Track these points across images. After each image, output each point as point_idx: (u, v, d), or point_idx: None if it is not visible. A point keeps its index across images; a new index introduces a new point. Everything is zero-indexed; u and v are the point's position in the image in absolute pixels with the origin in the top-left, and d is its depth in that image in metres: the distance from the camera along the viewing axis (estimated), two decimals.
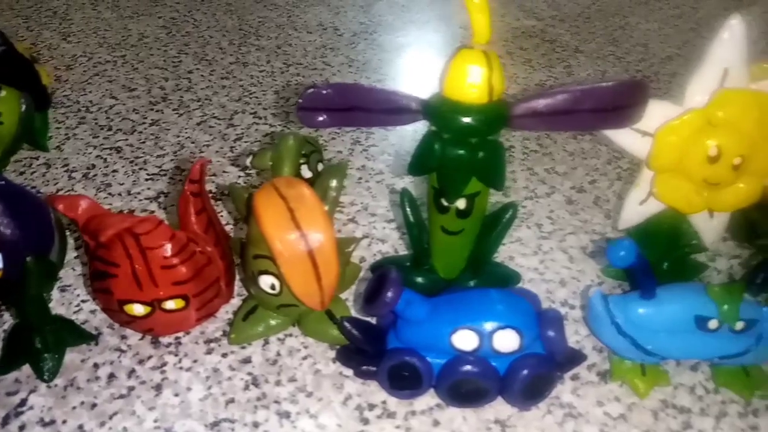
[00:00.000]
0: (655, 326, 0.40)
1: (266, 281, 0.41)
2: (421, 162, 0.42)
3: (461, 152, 0.40)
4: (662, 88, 0.79)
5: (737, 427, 0.40)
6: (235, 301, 0.47)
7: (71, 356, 0.43)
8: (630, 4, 1.04)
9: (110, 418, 0.39)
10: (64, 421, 0.39)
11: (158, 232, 0.39)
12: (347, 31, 0.91)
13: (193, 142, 0.65)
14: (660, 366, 0.43)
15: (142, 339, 0.44)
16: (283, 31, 0.90)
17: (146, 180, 0.59)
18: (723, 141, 0.40)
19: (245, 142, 0.65)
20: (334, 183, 0.42)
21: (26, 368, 0.41)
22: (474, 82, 0.38)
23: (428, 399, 0.41)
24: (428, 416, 0.40)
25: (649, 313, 0.40)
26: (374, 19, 0.95)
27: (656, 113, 0.41)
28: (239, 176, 0.61)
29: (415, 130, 0.41)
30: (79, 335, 0.43)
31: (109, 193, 0.58)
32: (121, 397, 0.40)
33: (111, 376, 0.41)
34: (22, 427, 0.38)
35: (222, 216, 0.55)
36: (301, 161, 0.49)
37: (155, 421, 0.39)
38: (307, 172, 0.50)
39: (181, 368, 0.42)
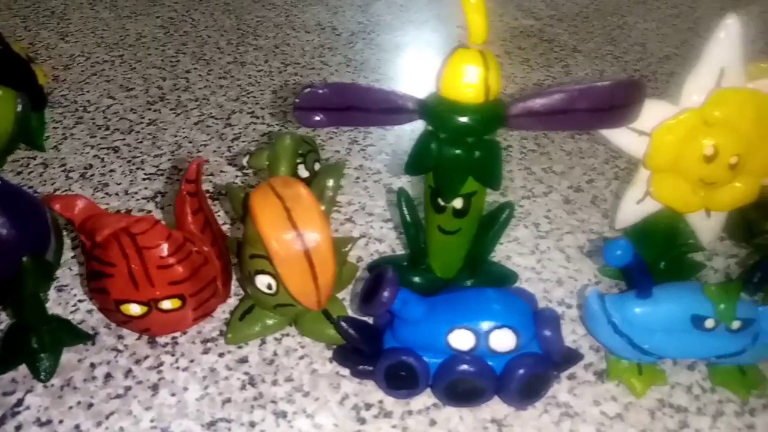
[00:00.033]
0: (651, 325, 0.40)
1: (263, 281, 0.41)
2: (417, 161, 0.42)
3: (458, 152, 0.40)
4: (660, 88, 0.79)
5: (734, 426, 0.40)
6: (232, 301, 0.47)
7: (68, 356, 0.43)
8: (628, 4, 1.04)
9: (107, 417, 0.39)
10: (61, 421, 0.39)
11: (154, 231, 0.39)
12: (345, 31, 0.91)
13: (190, 142, 0.65)
14: (657, 365, 0.43)
15: (138, 339, 0.44)
16: (281, 30, 0.90)
17: (143, 180, 0.59)
18: (719, 140, 0.40)
19: (243, 141, 0.65)
20: (330, 183, 0.42)
21: (23, 368, 0.41)
22: (470, 82, 0.38)
23: (425, 398, 0.41)
24: (425, 416, 0.40)
25: (646, 312, 0.40)
26: (372, 18, 0.95)
27: (653, 113, 0.41)
28: (236, 176, 0.61)
29: (413, 130, 0.41)
30: (75, 335, 0.43)
31: (107, 193, 0.58)
32: (118, 396, 0.40)
33: (108, 376, 0.41)
34: (18, 427, 0.38)
35: (219, 216, 0.55)
36: (298, 161, 0.49)
37: (152, 420, 0.39)
38: (304, 172, 0.50)
39: (177, 368, 0.42)
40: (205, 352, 0.43)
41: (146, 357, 0.43)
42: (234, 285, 0.47)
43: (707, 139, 0.40)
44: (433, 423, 0.39)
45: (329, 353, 0.43)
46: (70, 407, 0.40)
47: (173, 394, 0.40)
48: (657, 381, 0.42)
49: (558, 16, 0.99)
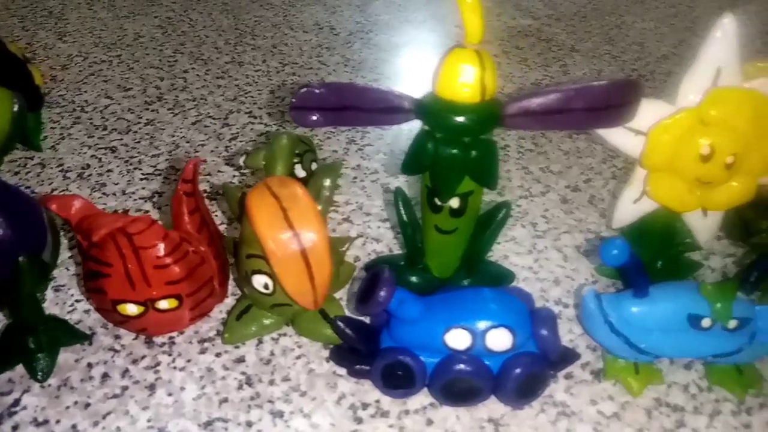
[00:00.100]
0: (648, 325, 0.40)
1: (259, 281, 0.41)
2: (414, 161, 0.42)
3: (454, 151, 0.40)
4: (658, 87, 0.79)
5: (730, 426, 0.40)
6: (229, 301, 0.47)
7: (65, 356, 0.43)
8: (626, 3, 1.05)
9: (104, 417, 0.39)
10: (58, 421, 0.39)
11: (151, 231, 0.39)
12: (343, 31, 0.91)
13: (188, 142, 0.65)
14: (653, 364, 0.43)
15: (135, 339, 0.44)
16: (279, 30, 0.90)
17: (141, 180, 0.59)
18: (715, 140, 0.40)
19: (240, 141, 0.65)
20: (327, 182, 0.42)
21: (20, 368, 0.41)
22: (466, 81, 0.38)
23: (422, 398, 0.41)
24: (422, 415, 0.40)
25: (642, 311, 0.40)
26: (370, 18, 0.95)
27: (649, 112, 0.41)
28: (234, 176, 0.61)
29: (410, 130, 0.41)
30: (72, 335, 0.43)
31: (104, 193, 0.58)
32: (115, 396, 0.40)
33: (104, 376, 0.41)
34: (15, 427, 0.38)
35: (216, 216, 0.55)
36: (295, 161, 0.49)
37: (149, 420, 0.39)
38: (300, 172, 0.50)
39: (174, 368, 0.42)
40: (202, 351, 0.43)
41: (143, 357, 0.43)
42: (231, 285, 0.47)
43: (703, 139, 0.40)
44: (430, 422, 0.39)
45: (326, 353, 0.43)
46: (67, 407, 0.40)
47: (170, 394, 0.40)
48: (654, 380, 0.42)
49: (556, 15, 0.99)
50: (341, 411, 0.40)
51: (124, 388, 0.41)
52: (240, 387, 0.41)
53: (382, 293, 0.37)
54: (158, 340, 0.44)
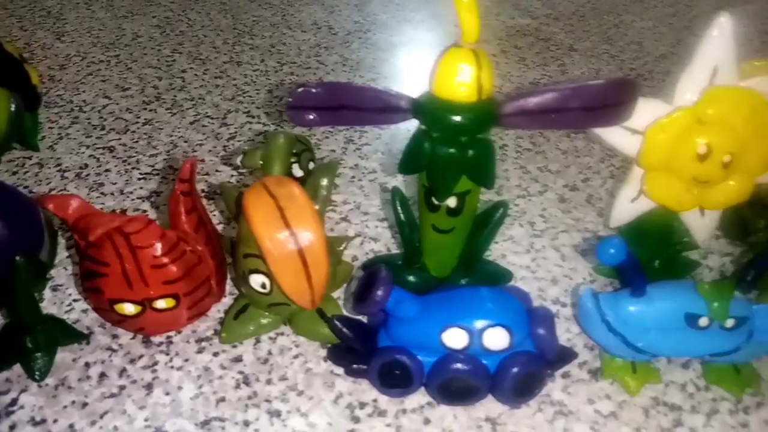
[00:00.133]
0: (645, 324, 0.40)
1: (257, 280, 0.41)
2: (411, 160, 0.41)
3: (451, 151, 0.40)
4: (656, 86, 0.79)
5: (728, 425, 0.40)
6: (227, 300, 0.47)
7: (62, 355, 0.43)
8: (624, 3, 1.05)
9: (101, 417, 0.39)
10: (55, 421, 0.39)
11: (148, 231, 0.39)
12: (341, 30, 0.91)
13: (186, 142, 0.65)
14: (651, 363, 0.43)
15: (133, 338, 0.44)
16: (277, 30, 0.90)
17: (139, 179, 0.59)
18: (712, 139, 0.40)
19: (238, 141, 0.65)
20: (324, 182, 0.42)
21: (17, 368, 0.41)
22: (463, 81, 0.38)
23: (419, 397, 0.41)
24: (419, 414, 0.40)
25: (640, 310, 0.40)
26: (368, 17, 0.95)
27: (646, 111, 0.41)
28: (232, 175, 0.60)
29: (408, 129, 0.41)
30: (70, 334, 0.43)
31: (102, 193, 0.58)
32: (112, 396, 0.40)
33: (102, 376, 0.41)
34: (12, 427, 0.38)
35: (214, 215, 0.55)
36: (292, 160, 0.49)
37: (146, 420, 0.39)
38: (298, 171, 0.50)
39: (172, 367, 0.42)
40: (200, 351, 0.43)
41: (141, 356, 0.43)
42: (229, 284, 0.47)
43: (700, 138, 0.40)
44: (427, 422, 0.39)
45: (324, 352, 0.43)
46: (65, 406, 0.40)
47: (167, 393, 0.40)
48: (651, 379, 0.42)
49: (554, 14, 0.99)
50: (338, 410, 0.40)
51: (122, 388, 0.41)
52: (237, 386, 0.41)
53: (379, 292, 0.37)
54: (156, 339, 0.44)
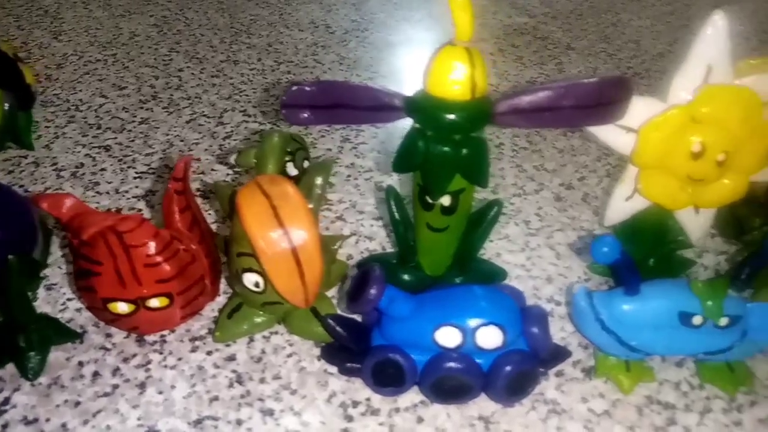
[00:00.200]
0: (639, 322, 0.40)
1: (250, 279, 0.41)
2: (405, 159, 0.41)
3: (445, 149, 0.40)
4: (653, 85, 0.79)
5: (721, 423, 0.40)
6: (221, 299, 0.47)
7: (56, 354, 0.42)
8: (622, 1, 1.05)
9: (94, 416, 0.39)
10: (48, 420, 0.39)
11: (141, 230, 0.39)
12: (339, 29, 0.91)
13: (182, 141, 0.65)
14: (644, 362, 0.43)
15: (127, 337, 0.44)
16: (274, 29, 0.90)
17: (134, 178, 0.59)
18: (706, 137, 0.40)
19: (234, 140, 0.65)
20: (319, 181, 0.42)
21: (10, 367, 0.41)
22: (457, 79, 0.38)
23: (412, 396, 0.41)
24: (412, 413, 0.40)
25: (633, 309, 0.40)
26: (366, 16, 0.95)
27: (640, 109, 0.41)
28: (228, 174, 0.60)
29: (404, 128, 0.41)
30: (63, 333, 0.43)
31: (97, 192, 0.58)
32: (105, 395, 0.40)
33: (95, 375, 0.41)
34: (5, 426, 0.38)
35: (209, 214, 0.55)
36: (287, 159, 0.49)
37: (138, 419, 0.39)
38: (293, 170, 0.50)
39: (165, 366, 0.42)
40: (194, 350, 0.43)
41: (134, 355, 0.43)
42: (223, 283, 0.47)
43: (695, 136, 0.40)
44: (420, 420, 0.39)
45: (317, 351, 0.43)
46: (57, 405, 0.39)
47: (160, 392, 0.40)
48: (645, 378, 0.42)
49: (552, 13, 0.99)
50: (332, 409, 0.40)
51: (115, 387, 0.41)
52: (230, 385, 0.41)
53: (373, 291, 0.37)
54: (149, 338, 0.44)
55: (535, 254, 0.52)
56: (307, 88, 0.40)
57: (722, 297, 0.39)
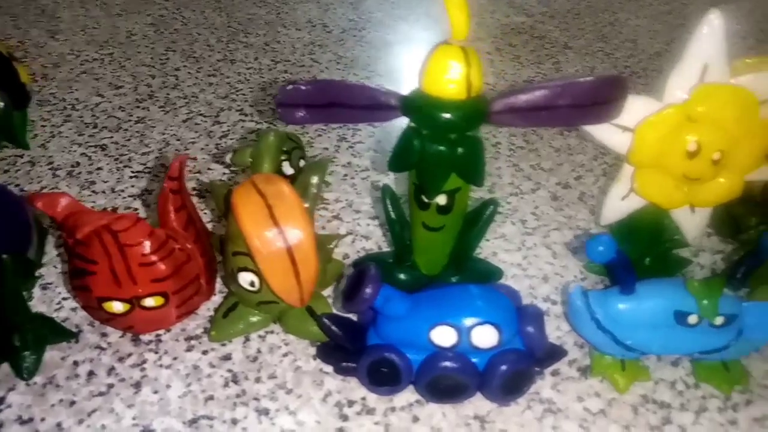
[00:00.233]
0: (634, 321, 0.40)
1: (245, 278, 0.41)
2: (400, 158, 0.41)
3: (440, 148, 0.40)
4: (650, 84, 0.79)
5: (716, 422, 0.40)
6: (217, 298, 0.47)
7: (51, 354, 0.42)
8: (620, 1, 1.05)
9: (89, 415, 0.39)
10: (43, 419, 0.39)
11: (136, 229, 0.39)
12: (336, 28, 0.91)
13: (178, 140, 0.65)
14: (640, 361, 0.43)
15: (122, 336, 0.44)
16: (271, 28, 0.90)
17: (130, 177, 0.59)
18: (702, 136, 0.40)
19: (231, 139, 0.65)
20: (315, 180, 0.42)
21: (5, 366, 0.41)
22: (452, 78, 0.38)
23: (408, 395, 0.40)
24: (408, 412, 0.40)
25: (629, 308, 0.40)
26: (363, 15, 0.95)
27: (636, 109, 0.41)
28: (224, 173, 0.60)
29: (401, 127, 0.41)
30: (59, 333, 0.43)
31: (93, 191, 0.58)
32: (100, 394, 0.40)
33: (90, 374, 0.41)
34: (0, 425, 0.38)
35: (206, 213, 0.55)
36: (283, 158, 0.49)
37: (134, 418, 0.39)
38: (289, 169, 0.50)
39: (161, 366, 0.42)
40: (189, 349, 0.43)
41: (129, 355, 0.43)
42: (218, 282, 0.47)
43: (690, 135, 0.40)
44: (415, 419, 0.39)
45: (313, 350, 0.43)
46: (52, 405, 0.39)
47: (156, 392, 0.40)
48: (640, 377, 0.42)
49: (549, 12, 0.99)
50: (327, 408, 0.40)
51: (110, 386, 0.41)
52: (226, 384, 0.41)
53: (368, 290, 0.37)
54: (145, 337, 0.44)
55: (532, 253, 0.52)
56: (303, 87, 0.40)
57: (718, 296, 0.39)
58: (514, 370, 0.39)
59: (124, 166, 0.61)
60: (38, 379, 0.41)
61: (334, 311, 0.45)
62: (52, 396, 0.40)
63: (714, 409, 0.41)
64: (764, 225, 0.50)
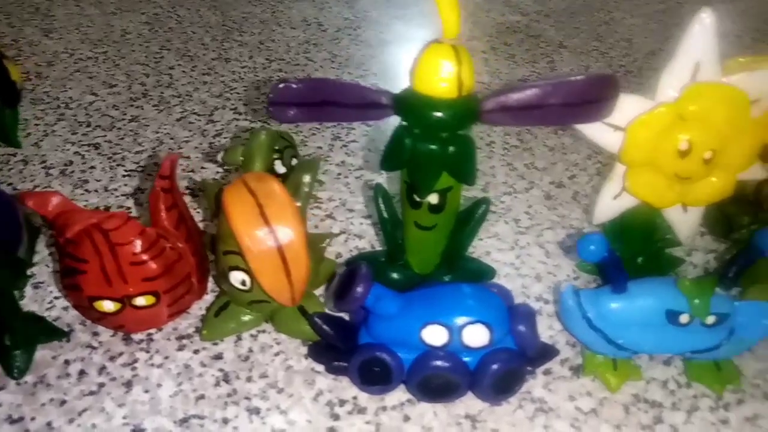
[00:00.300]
0: (626, 321, 0.40)
1: (237, 277, 0.40)
2: (392, 157, 0.41)
3: (432, 147, 0.39)
4: (645, 83, 0.78)
5: (708, 421, 0.40)
6: (209, 297, 0.47)
7: (42, 353, 0.42)
8: (615, 0, 1.04)
9: (79, 414, 0.39)
10: (33, 419, 0.38)
11: (127, 228, 0.39)
12: (331, 27, 0.91)
13: (172, 138, 0.65)
14: (632, 360, 0.43)
15: (113, 336, 0.44)
16: (266, 26, 0.90)
17: (124, 176, 0.59)
18: (694, 135, 0.40)
19: (225, 138, 0.65)
20: (306, 178, 0.42)
21: None
22: (443, 77, 0.38)
23: (399, 394, 0.40)
24: (399, 411, 0.40)
25: (621, 307, 0.40)
26: (358, 14, 0.95)
27: (627, 107, 0.41)
28: (217, 172, 0.60)
29: (395, 126, 0.41)
30: (50, 332, 0.43)
31: (86, 190, 0.57)
32: (91, 393, 0.40)
33: (81, 373, 0.41)
34: None
35: (198, 212, 0.55)
36: (275, 156, 0.49)
37: (124, 417, 0.39)
38: (281, 168, 0.49)
39: (152, 365, 0.42)
40: (180, 348, 0.43)
41: (121, 354, 0.43)
42: (210, 281, 0.47)
43: (682, 134, 0.40)
44: (407, 419, 0.39)
45: (305, 350, 0.43)
46: (43, 404, 0.39)
47: (147, 391, 0.40)
48: (632, 376, 0.42)
49: (545, 11, 0.99)
50: (318, 407, 0.40)
51: (101, 385, 0.41)
52: (217, 384, 0.41)
53: (359, 289, 0.37)
54: (136, 337, 0.44)
55: (525, 252, 0.52)
56: (294, 86, 0.40)
57: (709, 295, 0.39)
58: (506, 369, 0.38)
59: (118, 165, 0.61)
60: (29, 378, 0.41)
61: (326, 310, 0.45)
62: (42, 395, 0.40)
63: (706, 408, 0.41)
64: (756, 224, 0.50)
